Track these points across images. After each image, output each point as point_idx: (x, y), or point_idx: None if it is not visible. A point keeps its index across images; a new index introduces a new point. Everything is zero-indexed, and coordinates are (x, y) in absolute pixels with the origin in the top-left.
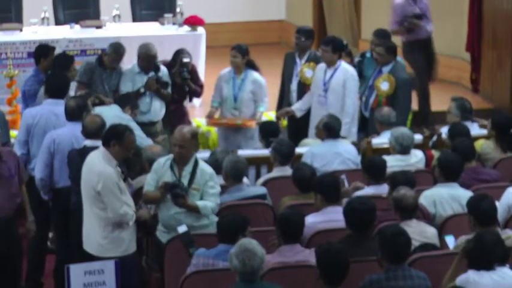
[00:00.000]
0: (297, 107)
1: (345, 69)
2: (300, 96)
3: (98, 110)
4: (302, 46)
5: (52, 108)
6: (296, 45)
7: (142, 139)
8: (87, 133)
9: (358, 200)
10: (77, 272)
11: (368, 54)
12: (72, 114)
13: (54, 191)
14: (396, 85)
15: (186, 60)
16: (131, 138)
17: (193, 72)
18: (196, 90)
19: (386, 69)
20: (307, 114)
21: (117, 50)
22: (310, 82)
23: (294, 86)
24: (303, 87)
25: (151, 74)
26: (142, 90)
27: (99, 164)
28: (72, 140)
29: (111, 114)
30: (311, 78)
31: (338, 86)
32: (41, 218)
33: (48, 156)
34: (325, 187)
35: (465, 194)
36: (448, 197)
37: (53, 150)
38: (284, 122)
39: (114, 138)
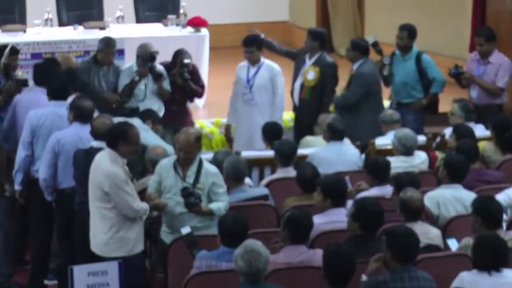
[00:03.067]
0: (232, 119)
1: (270, 66)
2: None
3: (117, 120)
4: (308, 46)
5: (56, 109)
6: (305, 45)
7: (167, 147)
8: (97, 134)
9: (370, 202)
10: (80, 273)
11: (397, 52)
12: (88, 115)
13: (58, 191)
14: (352, 78)
15: (187, 61)
16: (135, 133)
17: (194, 72)
18: (197, 91)
19: (355, 65)
20: (310, 112)
21: (107, 43)
22: (309, 84)
23: (297, 85)
24: (303, 88)
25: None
26: (136, 78)
27: (105, 164)
28: (77, 141)
29: None
30: (311, 81)
31: (264, 82)
32: (44, 220)
33: (52, 156)
34: (335, 192)
35: (469, 196)
36: (451, 199)
37: (57, 151)
38: (287, 123)
39: (120, 138)
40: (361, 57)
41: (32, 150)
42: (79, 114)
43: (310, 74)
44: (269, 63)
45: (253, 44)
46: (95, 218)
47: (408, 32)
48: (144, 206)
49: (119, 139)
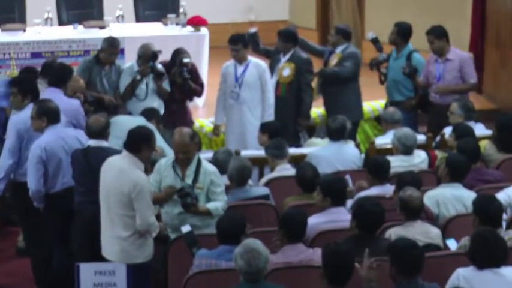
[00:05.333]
0: (219, 119)
1: (257, 63)
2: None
3: (123, 119)
4: (281, 48)
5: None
6: (278, 47)
7: (167, 149)
8: (91, 133)
9: (369, 201)
10: (86, 270)
11: (393, 50)
12: (59, 115)
13: (49, 196)
14: (343, 56)
15: (186, 60)
16: (155, 138)
17: (193, 71)
18: (196, 90)
19: (339, 49)
20: (287, 108)
21: (111, 43)
22: (285, 81)
23: (272, 82)
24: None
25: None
26: (138, 77)
27: (133, 171)
28: (62, 143)
29: (135, 123)
30: (287, 78)
31: (254, 79)
32: (33, 226)
33: (40, 166)
34: (334, 191)
35: (469, 195)
36: (451, 198)
37: (45, 158)
38: None
39: (144, 142)
40: (344, 42)
41: (18, 156)
42: (52, 117)
43: (286, 70)
44: (256, 61)
45: (238, 42)
46: (112, 224)
47: (398, 29)
48: (157, 224)
49: (144, 143)
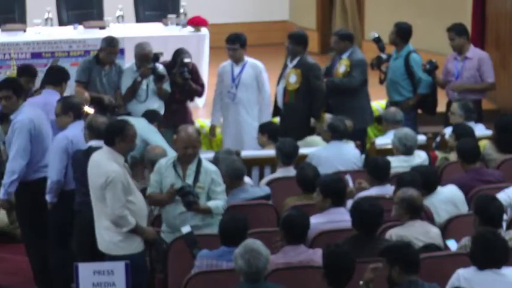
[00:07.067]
0: (216, 120)
1: (254, 63)
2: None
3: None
4: (291, 51)
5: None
6: (287, 50)
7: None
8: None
9: (367, 201)
10: (85, 270)
11: (394, 51)
12: (81, 112)
13: (64, 192)
14: (352, 64)
15: (187, 60)
16: (133, 130)
17: (193, 71)
18: (197, 90)
19: (345, 55)
20: (296, 115)
21: (110, 42)
22: (292, 88)
23: (280, 89)
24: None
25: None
26: (139, 79)
27: (106, 164)
28: None
29: (138, 125)
30: (294, 84)
31: (250, 80)
32: (40, 225)
33: (65, 157)
34: (334, 192)
35: (456, 193)
36: (439, 203)
37: (71, 151)
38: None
39: (118, 135)
40: (351, 46)
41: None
42: (79, 112)
43: (292, 77)
44: (253, 61)
45: (236, 41)
46: (100, 218)
47: (397, 29)
48: (130, 220)
49: (117, 136)
